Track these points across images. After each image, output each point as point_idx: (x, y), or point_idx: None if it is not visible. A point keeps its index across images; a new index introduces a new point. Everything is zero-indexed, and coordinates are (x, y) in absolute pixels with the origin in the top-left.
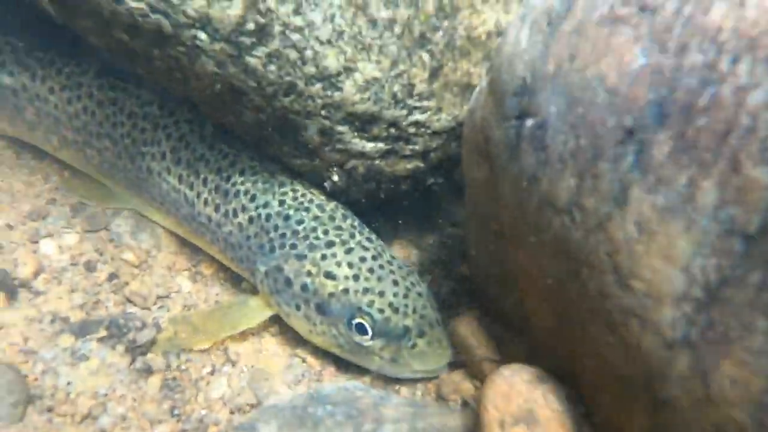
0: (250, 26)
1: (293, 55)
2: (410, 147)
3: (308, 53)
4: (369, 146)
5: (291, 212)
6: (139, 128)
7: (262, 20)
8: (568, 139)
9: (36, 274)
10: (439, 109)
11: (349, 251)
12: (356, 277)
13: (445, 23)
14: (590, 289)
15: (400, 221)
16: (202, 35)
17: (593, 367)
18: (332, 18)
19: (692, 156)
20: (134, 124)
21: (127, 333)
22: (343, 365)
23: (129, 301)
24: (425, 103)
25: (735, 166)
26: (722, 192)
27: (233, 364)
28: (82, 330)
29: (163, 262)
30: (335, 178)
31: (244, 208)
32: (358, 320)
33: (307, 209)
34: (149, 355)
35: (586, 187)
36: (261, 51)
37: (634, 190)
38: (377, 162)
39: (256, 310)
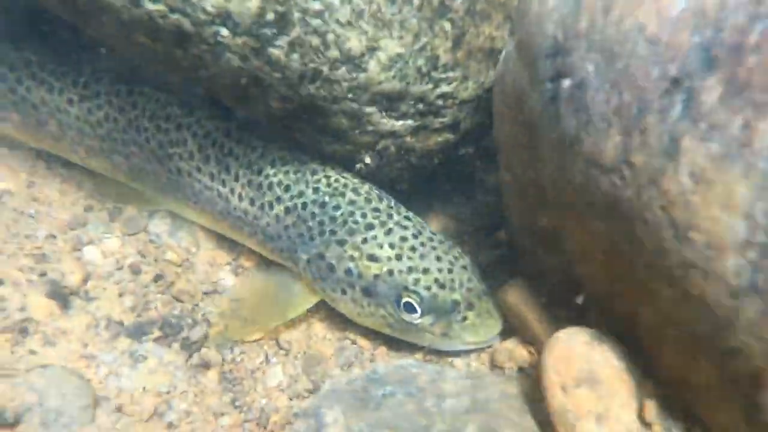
0: (270, 16)
1: (315, 41)
2: (439, 120)
3: (330, 37)
4: (398, 125)
5: (326, 199)
6: (162, 130)
7: (281, 8)
8: (610, 96)
9: (84, 281)
10: (465, 78)
11: (389, 232)
12: (399, 257)
13: None
14: (647, 245)
15: (434, 194)
16: (224, 31)
17: (654, 323)
18: None
19: (746, 98)
20: (158, 127)
21: (180, 331)
22: (395, 344)
23: (177, 299)
24: (450, 74)
25: None
26: None
27: (286, 352)
28: (137, 332)
29: (203, 259)
30: (367, 160)
31: (279, 200)
32: (405, 299)
33: (342, 194)
34: (203, 350)
35: (634, 143)
36: (283, 40)
37: (685, 140)
38: (408, 139)
39: (302, 298)
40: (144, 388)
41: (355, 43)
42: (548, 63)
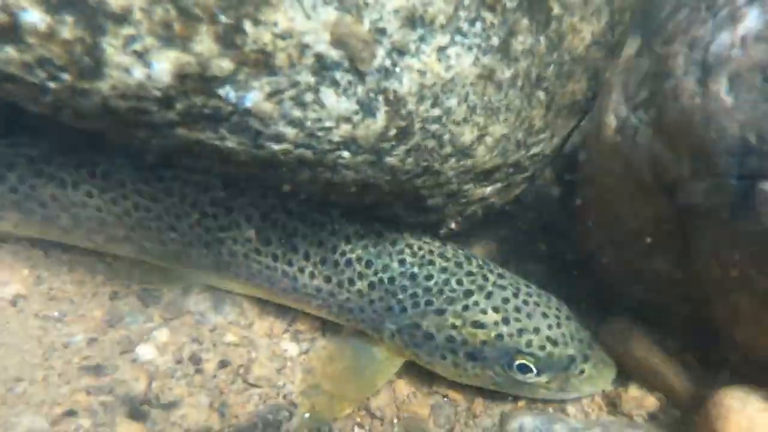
0: (392, 133)
1: (431, 143)
2: (522, 176)
3: (446, 137)
4: (488, 190)
5: (416, 270)
6: (210, 216)
7: (403, 123)
8: None
9: (149, 385)
10: (552, 136)
11: (489, 296)
12: (506, 321)
13: (555, 55)
14: None
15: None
16: (346, 154)
17: None
18: (466, 97)
19: None
20: (203, 213)
21: (280, 426)
22: (489, 393)
23: (253, 385)
24: (541, 136)
25: None
26: None
27: (381, 420)
28: None
29: (260, 331)
30: (452, 225)
31: (361, 276)
32: (519, 361)
33: (431, 262)
34: None
35: None
36: (400, 150)
37: None
38: (492, 199)
39: (389, 362)
40: None
41: (468, 136)
42: (734, 160)
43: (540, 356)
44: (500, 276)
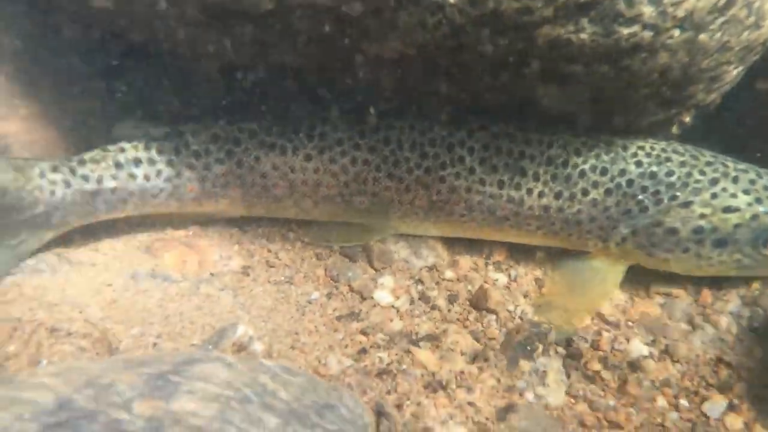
0: (721, 3)
1: (743, 13)
2: (756, 58)
3: (756, 5)
4: (736, 72)
5: (655, 168)
6: (430, 156)
7: None
8: None
9: (400, 324)
10: None
11: (735, 180)
12: (759, 200)
13: None
14: None
15: None
16: (677, 32)
17: None
18: None
19: None
20: (423, 154)
21: (546, 337)
22: (711, 284)
23: (491, 311)
24: None
25: None
26: None
27: (617, 325)
28: (527, 351)
29: (465, 267)
30: (686, 119)
31: (596, 184)
32: None
33: (668, 159)
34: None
35: None
36: (717, 23)
37: None
38: (728, 85)
39: (613, 269)
40: (561, 401)
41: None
42: None
43: None
44: (735, 161)
